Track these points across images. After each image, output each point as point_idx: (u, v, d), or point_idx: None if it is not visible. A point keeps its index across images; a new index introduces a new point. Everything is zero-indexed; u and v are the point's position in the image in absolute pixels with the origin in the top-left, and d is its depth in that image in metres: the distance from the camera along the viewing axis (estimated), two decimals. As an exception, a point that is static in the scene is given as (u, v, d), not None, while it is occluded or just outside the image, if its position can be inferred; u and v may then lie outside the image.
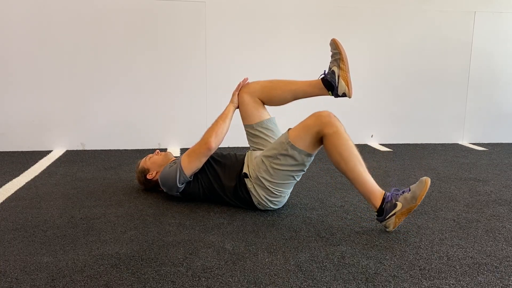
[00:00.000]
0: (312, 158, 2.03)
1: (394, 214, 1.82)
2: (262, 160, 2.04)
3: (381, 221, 1.87)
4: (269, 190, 2.04)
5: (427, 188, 1.77)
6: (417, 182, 1.82)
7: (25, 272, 1.50)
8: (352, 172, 1.89)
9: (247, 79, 2.27)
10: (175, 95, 3.66)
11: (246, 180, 2.08)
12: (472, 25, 4.01)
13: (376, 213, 1.88)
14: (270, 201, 2.08)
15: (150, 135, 3.68)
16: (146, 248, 1.70)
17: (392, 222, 1.84)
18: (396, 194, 1.85)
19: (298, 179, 2.09)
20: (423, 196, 1.78)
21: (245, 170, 2.09)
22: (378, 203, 1.85)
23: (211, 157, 2.20)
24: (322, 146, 1.98)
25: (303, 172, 2.07)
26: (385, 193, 1.87)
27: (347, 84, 2.03)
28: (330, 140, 1.90)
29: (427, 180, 1.78)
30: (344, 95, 2.04)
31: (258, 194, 2.06)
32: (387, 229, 1.88)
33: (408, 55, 3.97)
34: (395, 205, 1.82)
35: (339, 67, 2.04)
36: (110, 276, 1.48)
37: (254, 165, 2.07)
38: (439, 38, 3.98)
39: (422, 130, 4.11)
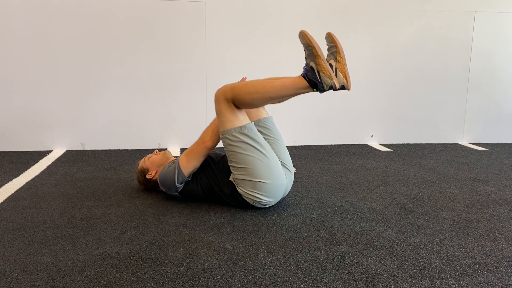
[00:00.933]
0: (249, 128, 2.05)
1: (318, 72, 1.88)
2: (229, 164, 2.11)
3: (322, 89, 1.90)
4: (251, 182, 2.04)
5: (306, 32, 1.91)
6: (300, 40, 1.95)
7: (25, 272, 1.50)
8: (267, 90, 1.98)
9: (245, 78, 2.27)
10: (175, 95, 3.67)
11: (236, 186, 2.10)
12: (472, 25, 4.01)
13: (314, 91, 1.92)
14: (261, 194, 2.06)
15: (150, 135, 3.68)
16: (146, 248, 1.70)
17: (326, 78, 1.87)
18: (305, 64, 1.94)
19: (264, 160, 2.04)
20: (310, 37, 1.90)
21: (230, 178, 2.12)
22: (305, 82, 1.92)
23: (210, 158, 2.21)
24: (242, 109, 2.07)
25: (260, 151, 2.03)
26: (301, 74, 1.95)
27: (345, 76, 2.01)
28: (235, 96, 2.01)
29: (302, 30, 1.93)
30: (343, 87, 2.04)
31: (246, 192, 2.07)
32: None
33: (408, 55, 3.98)
34: (311, 68, 1.90)
35: (336, 59, 2.03)
36: (110, 276, 1.48)
37: (231, 171, 2.11)
38: (439, 38, 3.98)
39: (422, 130, 4.11)
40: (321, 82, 1.90)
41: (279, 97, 2.03)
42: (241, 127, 2.03)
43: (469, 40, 4.03)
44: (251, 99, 2.01)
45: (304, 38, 1.94)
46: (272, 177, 2.06)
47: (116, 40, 3.51)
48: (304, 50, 1.98)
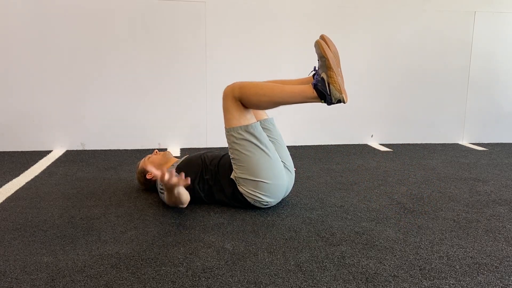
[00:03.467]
0: (255, 127, 2.05)
1: (329, 84, 1.88)
2: (231, 161, 2.10)
3: (330, 101, 1.91)
4: (253, 181, 2.04)
5: (322, 42, 1.90)
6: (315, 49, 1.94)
7: (25, 272, 1.50)
8: (276, 95, 1.97)
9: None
10: (175, 95, 3.66)
11: (237, 185, 2.10)
12: (472, 25, 4.01)
13: (323, 102, 1.92)
14: (263, 194, 2.07)
15: (150, 135, 3.68)
16: (146, 248, 1.70)
17: (336, 91, 1.88)
18: (316, 73, 1.94)
19: (267, 160, 2.04)
20: (325, 48, 1.89)
21: (231, 176, 2.12)
22: (314, 92, 1.92)
23: (210, 158, 2.21)
24: (249, 109, 2.07)
25: (264, 151, 2.03)
26: (311, 83, 1.94)
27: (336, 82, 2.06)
28: (243, 95, 2.00)
29: (318, 40, 1.92)
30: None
31: (248, 192, 2.07)
32: (342, 101, 1.90)
33: (408, 55, 3.97)
34: (322, 79, 1.90)
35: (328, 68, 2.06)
36: (110, 276, 1.48)
37: (233, 168, 2.11)
38: (439, 38, 3.98)
39: (422, 130, 4.11)
40: (330, 95, 1.90)
41: (286, 103, 2.01)
42: (247, 125, 2.03)
43: (469, 40, 4.03)
44: (258, 101, 2.01)
45: (319, 48, 1.93)
46: (273, 178, 2.06)
47: (116, 40, 3.51)
48: (318, 60, 1.97)
